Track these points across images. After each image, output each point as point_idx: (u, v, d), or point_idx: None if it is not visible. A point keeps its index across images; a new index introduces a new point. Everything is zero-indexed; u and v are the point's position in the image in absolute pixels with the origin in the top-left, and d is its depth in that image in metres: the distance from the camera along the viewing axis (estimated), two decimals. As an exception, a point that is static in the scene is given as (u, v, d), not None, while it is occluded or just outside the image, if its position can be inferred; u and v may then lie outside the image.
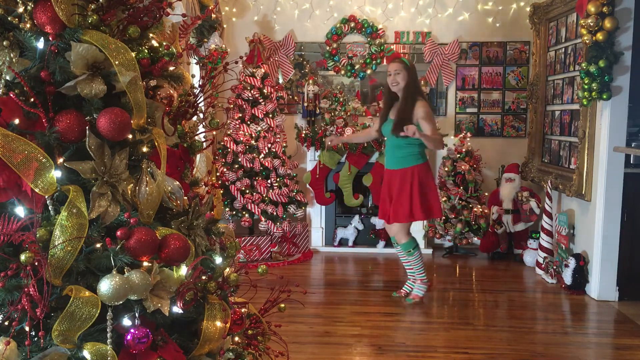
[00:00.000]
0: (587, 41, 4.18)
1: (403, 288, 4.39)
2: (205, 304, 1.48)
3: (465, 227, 5.43)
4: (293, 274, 4.93)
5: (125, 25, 1.42)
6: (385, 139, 4.22)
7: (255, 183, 5.33)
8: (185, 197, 1.60)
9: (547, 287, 4.68)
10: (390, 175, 4.15)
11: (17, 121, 1.30)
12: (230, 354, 1.69)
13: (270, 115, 5.42)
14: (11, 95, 1.31)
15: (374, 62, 5.87)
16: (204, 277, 1.50)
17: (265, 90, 5.41)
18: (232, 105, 5.41)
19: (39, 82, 1.34)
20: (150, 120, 1.50)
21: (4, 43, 1.33)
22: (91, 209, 1.31)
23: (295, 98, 6.00)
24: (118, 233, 1.30)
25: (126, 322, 1.33)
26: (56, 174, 1.30)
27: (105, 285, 1.25)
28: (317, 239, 5.80)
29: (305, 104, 5.74)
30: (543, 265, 4.89)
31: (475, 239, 5.57)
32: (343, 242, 5.78)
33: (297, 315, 3.80)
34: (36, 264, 1.23)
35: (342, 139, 4.91)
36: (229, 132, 5.41)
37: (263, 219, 5.30)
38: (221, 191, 2.47)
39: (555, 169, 5.11)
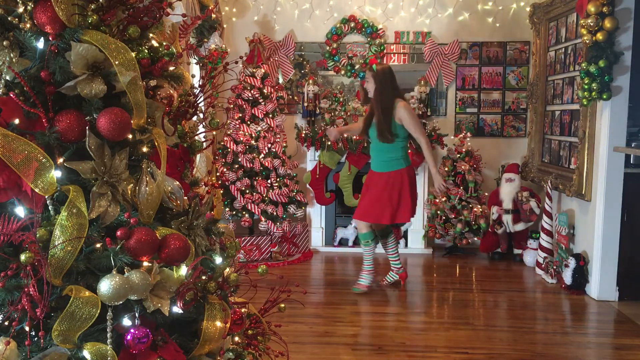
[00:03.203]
0: (587, 41, 4.18)
1: (386, 277, 4.63)
2: (205, 304, 1.48)
3: (465, 227, 5.43)
4: (293, 274, 4.93)
5: (125, 25, 1.42)
6: (371, 141, 4.40)
7: (255, 183, 5.33)
8: (185, 197, 1.60)
9: (547, 287, 4.68)
10: (372, 176, 4.36)
11: (17, 121, 1.30)
12: (230, 354, 1.69)
13: (270, 115, 5.42)
14: (11, 95, 1.31)
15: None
16: (204, 277, 1.50)
17: (265, 90, 5.41)
18: (232, 105, 5.41)
19: (39, 82, 1.33)
20: (150, 120, 1.50)
21: (4, 43, 1.33)
22: (91, 209, 1.31)
23: (295, 98, 6.00)
24: (118, 233, 1.30)
25: (126, 322, 1.33)
26: (56, 174, 1.30)
27: (105, 285, 1.25)
28: (317, 239, 5.80)
29: (305, 104, 5.74)
30: (543, 265, 4.89)
31: (475, 239, 5.57)
32: (343, 242, 5.78)
33: (297, 315, 3.80)
34: (36, 264, 1.23)
35: (341, 129, 4.91)
36: (229, 132, 5.41)
37: (263, 219, 5.30)
38: (221, 191, 2.47)
39: (555, 169, 5.12)
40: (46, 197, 1.31)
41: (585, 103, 4.33)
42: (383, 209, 4.23)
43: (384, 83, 4.18)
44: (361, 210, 4.36)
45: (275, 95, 5.48)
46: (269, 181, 5.35)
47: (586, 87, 4.22)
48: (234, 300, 1.79)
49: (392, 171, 4.23)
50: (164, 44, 1.57)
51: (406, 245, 5.72)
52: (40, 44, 1.35)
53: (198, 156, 1.83)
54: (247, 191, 5.29)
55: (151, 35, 1.56)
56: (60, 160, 1.32)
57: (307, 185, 5.70)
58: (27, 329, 1.24)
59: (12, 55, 1.34)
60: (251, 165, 5.30)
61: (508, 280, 4.90)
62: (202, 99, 1.73)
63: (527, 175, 5.58)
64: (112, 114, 1.33)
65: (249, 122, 5.38)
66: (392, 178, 4.22)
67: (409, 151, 4.45)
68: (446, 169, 5.52)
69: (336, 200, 5.77)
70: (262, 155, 5.34)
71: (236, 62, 3.72)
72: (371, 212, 4.28)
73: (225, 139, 5.40)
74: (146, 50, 1.49)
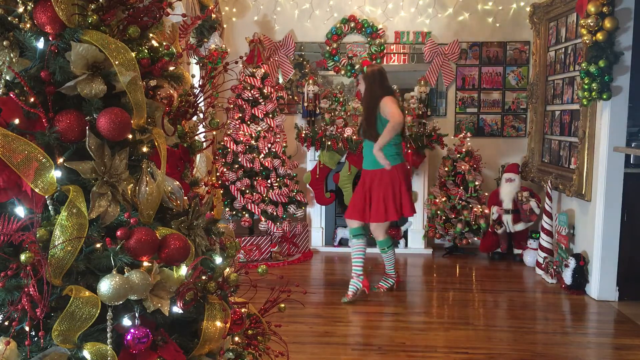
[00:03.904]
0: (587, 41, 4.18)
1: (380, 282, 4.55)
2: (205, 304, 1.48)
3: (465, 227, 5.42)
4: (293, 274, 4.93)
5: (125, 25, 1.42)
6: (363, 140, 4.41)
7: (255, 183, 5.33)
8: (185, 197, 1.60)
9: (547, 287, 4.68)
10: (365, 174, 4.33)
11: (17, 121, 1.30)
12: (230, 354, 1.69)
13: (270, 115, 5.42)
14: (11, 95, 1.31)
15: (373, 62, 5.87)
16: (204, 277, 1.50)
17: (265, 90, 5.41)
18: (232, 105, 5.41)
19: (39, 82, 1.33)
20: (150, 120, 1.49)
21: (4, 43, 1.33)
22: (91, 209, 1.31)
23: (295, 98, 6.00)
24: (118, 233, 1.30)
25: (126, 322, 1.33)
26: (56, 174, 1.30)
27: (105, 285, 1.25)
28: (317, 239, 5.80)
29: (305, 104, 5.74)
30: (543, 265, 4.89)
31: (475, 239, 5.57)
32: (343, 242, 5.78)
33: (297, 315, 3.80)
34: (36, 264, 1.23)
35: None
36: (229, 132, 5.41)
37: (263, 219, 5.29)
38: (221, 191, 2.47)
39: (555, 168, 5.11)
40: (46, 197, 1.31)
41: (585, 103, 4.33)
42: (381, 206, 4.20)
43: (373, 84, 4.21)
44: (348, 209, 4.38)
45: (275, 95, 5.48)
46: (269, 181, 5.35)
47: (586, 87, 4.22)
48: (234, 300, 1.79)
49: (378, 169, 4.18)
50: (164, 44, 1.57)
51: (406, 245, 5.72)
52: (40, 44, 1.35)
53: (198, 156, 1.83)
54: (247, 191, 5.29)
55: (151, 35, 1.56)
56: (60, 160, 1.32)
57: (307, 185, 5.70)
58: (27, 329, 1.24)
59: (12, 55, 1.34)
60: (251, 165, 5.30)
61: (508, 280, 4.90)
62: (202, 99, 1.73)
63: (527, 175, 5.58)
64: (112, 114, 1.33)
65: (249, 122, 5.38)
66: (379, 175, 4.19)
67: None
68: (446, 169, 5.52)
69: (336, 200, 5.77)
70: (262, 155, 5.34)
71: (236, 62, 3.73)
72: (354, 209, 4.30)
73: (225, 139, 5.40)
74: (146, 50, 1.49)
